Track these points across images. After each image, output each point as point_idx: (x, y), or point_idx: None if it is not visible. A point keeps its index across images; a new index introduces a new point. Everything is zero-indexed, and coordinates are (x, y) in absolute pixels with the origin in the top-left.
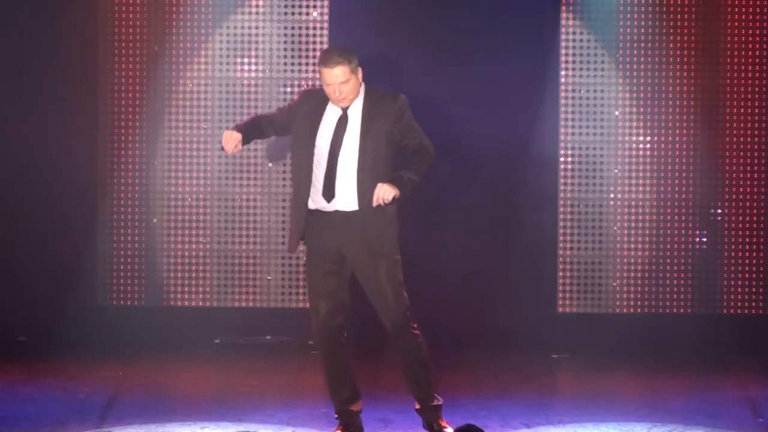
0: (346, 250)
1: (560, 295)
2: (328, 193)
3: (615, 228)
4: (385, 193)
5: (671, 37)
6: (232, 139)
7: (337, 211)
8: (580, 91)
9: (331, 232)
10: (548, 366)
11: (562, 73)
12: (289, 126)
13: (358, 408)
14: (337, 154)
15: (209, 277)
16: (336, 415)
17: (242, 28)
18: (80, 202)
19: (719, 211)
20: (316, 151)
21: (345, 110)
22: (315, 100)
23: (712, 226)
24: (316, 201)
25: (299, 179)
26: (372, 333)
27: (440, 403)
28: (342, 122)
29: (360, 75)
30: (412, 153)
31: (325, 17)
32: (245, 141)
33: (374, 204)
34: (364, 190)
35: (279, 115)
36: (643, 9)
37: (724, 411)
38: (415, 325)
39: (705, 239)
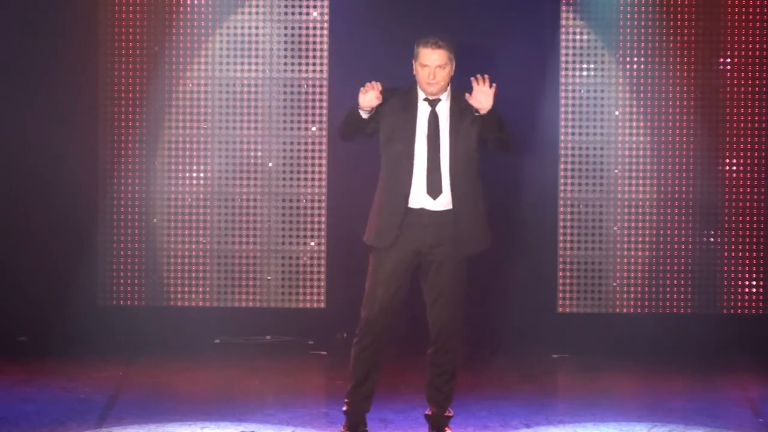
0: (430, 247)
1: (560, 295)
2: (435, 188)
3: (615, 228)
4: (487, 97)
5: (671, 37)
6: (372, 94)
7: (436, 211)
8: (580, 91)
9: (415, 230)
10: (548, 366)
11: (562, 73)
12: (377, 126)
13: (368, 409)
14: (438, 152)
15: (209, 277)
16: (345, 408)
17: (242, 28)
18: (80, 202)
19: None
20: (416, 149)
21: (434, 107)
22: (401, 98)
23: (712, 226)
24: (414, 199)
25: (399, 176)
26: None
27: (451, 415)
28: (433, 119)
29: (453, 68)
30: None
31: (325, 17)
32: (357, 133)
33: (478, 106)
34: (459, 190)
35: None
36: (643, 9)
37: (724, 411)
38: (462, 339)
39: (711, 239)
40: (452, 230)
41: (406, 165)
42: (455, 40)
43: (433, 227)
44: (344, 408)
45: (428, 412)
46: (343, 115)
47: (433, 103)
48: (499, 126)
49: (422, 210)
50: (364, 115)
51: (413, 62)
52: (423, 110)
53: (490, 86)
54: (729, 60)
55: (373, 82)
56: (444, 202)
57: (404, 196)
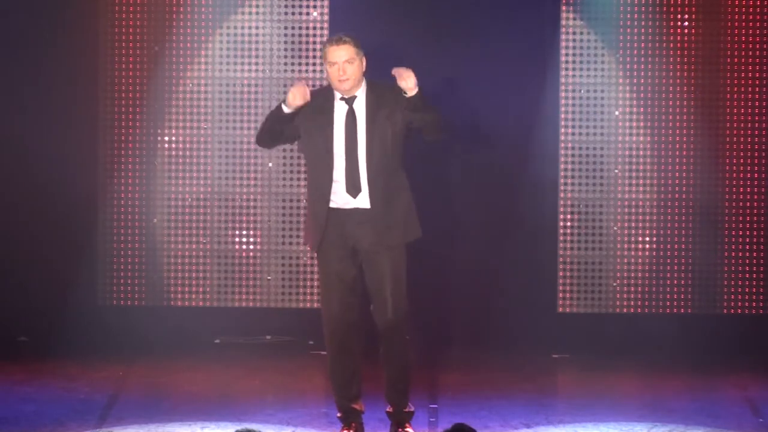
0: (359, 244)
1: (560, 295)
2: (354, 189)
3: (615, 228)
4: (409, 77)
5: (671, 37)
6: (300, 91)
7: (356, 208)
8: (580, 91)
9: (346, 227)
10: (548, 366)
11: (562, 73)
12: (296, 129)
13: (362, 408)
14: (356, 150)
15: (209, 277)
16: (339, 414)
17: (242, 28)
18: (80, 202)
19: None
20: (335, 148)
21: (351, 105)
22: (320, 98)
23: (712, 226)
24: (336, 199)
25: (319, 177)
26: (372, 333)
27: (412, 410)
28: (350, 117)
29: (364, 64)
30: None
31: (325, 17)
32: (276, 137)
33: (392, 72)
34: (375, 186)
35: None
36: (643, 9)
37: (724, 411)
38: (407, 332)
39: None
40: (374, 225)
41: (326, 165)
42: (359, 38)
43: (359, 224)
44: (338, 415)
45: (389, 409)
46: (264, 120)
47: (349, 101)
48: (427, 107)
49: (347, 209)
50: (287, 110)
51: (324, 65)
52: (340, 109)
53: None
54: (729, 60)
55: (302, 81)
56: (365, 198)
57: (325, 197)
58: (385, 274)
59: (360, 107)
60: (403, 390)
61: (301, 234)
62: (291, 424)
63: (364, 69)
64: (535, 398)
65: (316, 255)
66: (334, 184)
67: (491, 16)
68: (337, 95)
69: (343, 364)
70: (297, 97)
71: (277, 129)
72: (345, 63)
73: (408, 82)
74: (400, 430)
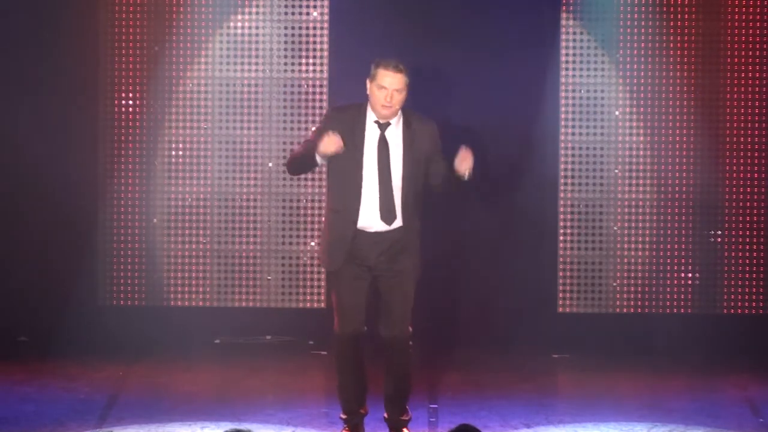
0: (377, 264)
1: (560, 295)
2: (389, 215)
3: (615, 228)
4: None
5: (671, 37)
6: (333, 141)
7: (378, 232)
8: (580, 91)
9: (368, 248)
10: (548, 366)
11: (562, 73)
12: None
13: (366, 411)
14: (389, 178)
15: (209, 277)
16: (343, 416)
17: (242, 28)
18: (80, 202)
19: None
20: (364, 170)
21: (383, 131)
22: (349, 117)
23: (712, 226)
24: (364, 220)
25: (346, 198)
26: (372, 335)
27: (409, 418)
28: (383, 144)
29: (406, 95)
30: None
31: (325, 17)
32: (311, 169)
33: (463, 171)
34: (408, 212)
35: (313, 145)
36: (643, 9)
37: (724, 411)
38: (411, 344)
39: (711, 239)
40: (401, 245)
41: (354, 189)
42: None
43: (384, 243)
44: (342, 416)
45: (386, 416)
46: (297, 152)
47: (383, 127)
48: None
49: (370, 232)
50: (319, 161)
51: (368, 81)
52: (372, 133)
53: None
54: (729, 60)
55: (334, 133)
56: (396, 224)
57: (353, 221)
58: (397, 295)
59: (393, 136)
60: (402, 400)
61: (316, 251)
62: (291, 424)
63: (405, 100)
64: (535, 398)
65: (329, 272)
66: (363, 210)
67: (491, 17)
68: (371, 116)
69: (355, 378)
70: (330, 147)
71: (307, 169)
72: (394, 91)
73: (466, 168)
74: None
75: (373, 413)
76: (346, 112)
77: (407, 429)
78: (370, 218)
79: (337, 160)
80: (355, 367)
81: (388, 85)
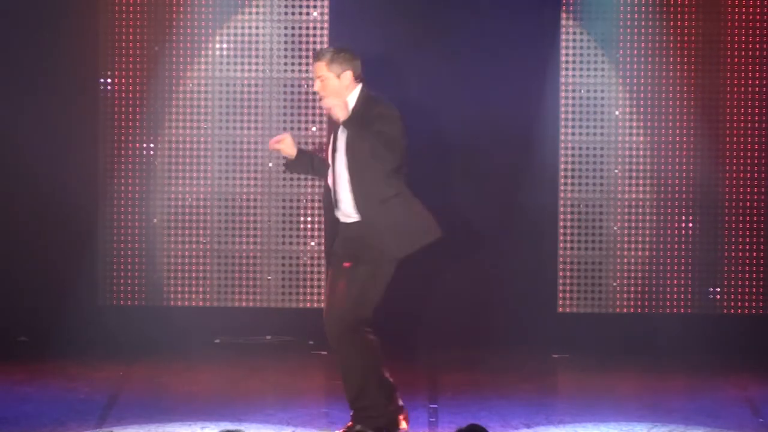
0: (341, 253)
1: (560, 295)
2: (336, 205)
3: (615, 228)
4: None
5: (671, 37)
6: (288, 144)
7: (343, 222)
8: (580, 91)
9: (339, 239)
10: (548, 366)
11: (562, 73)
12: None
13: (396, 406)
14: (335, 166)
15: (209, 277)
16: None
17: (242, 28)
18: (80, 202)
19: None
20: (330, 162)
21: (342, 121)
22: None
23: (712, 226)
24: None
25: (327, 189)
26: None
27: (351, 414)
28: (336, 133)
29: (346, 80)
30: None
31: (325, 17)
32: (301, 166)
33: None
34: (358, 202)
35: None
36: (642, 9)
37: (724, 411)
38: (357, 337)
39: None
40: (359, 242)
41: (330, 179)
42: (343, 49)
43: (346, 235)
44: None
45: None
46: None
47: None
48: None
49: (342, 223)
50: (291, 160)
51: None
52: (338, 124)
53: None
54: (729, 60)
55: (281, 135)
56: (347, 214)
57: (330, 208)
58: (339, 286)
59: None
60: (353, 392)
61: None
62: (291, 424)
63: (344, 86)
64: (535, 398)
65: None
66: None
67: (491, 17)
68: None
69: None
70: (287, 147)
71: (311, 173)
72: (317, 79)
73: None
74: (350, 424)
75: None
76: None
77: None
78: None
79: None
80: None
81: (314, 74)
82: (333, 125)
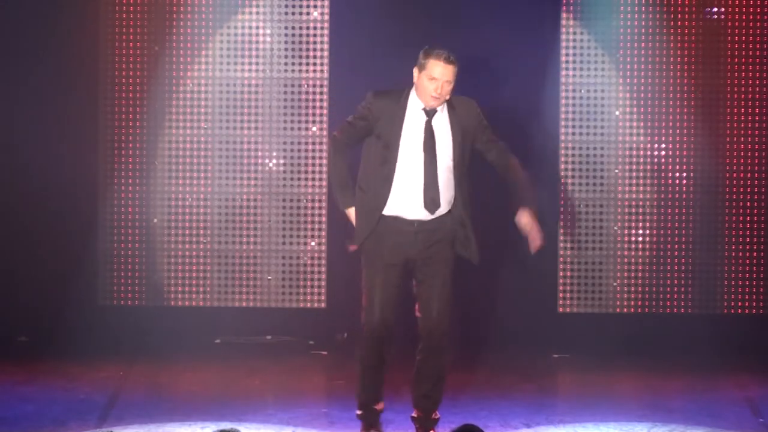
0: (413, 255)
1: (560, 295)
2: (432, 204)
3: (615, 228)
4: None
5: (671, 37)
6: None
7: (420, 220)
8: (580, 91)
9: (403, 238)
10: (549, 366)
11: (563, 73)
12: (369, 132)
13: (382, 407)
14: (435, 166)
15: (209, 277)
16: (359, 412)
17: (242, 28)
18: (80, 202)
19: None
20: (401, 156)
21: (431, 118)
22: (390, 103)
23: (712, 226)
24: (398, 208)
25: (375, 182)
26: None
27: (438, 417)
28: (429, 132)
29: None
30: (503, 167)
31: (326, 17)
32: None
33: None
34: (451, 198)
35: (353, 130)
36: (643, 9)
37: (724, 411)
38: (449, 340)
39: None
40: (442, 233)
41: (385, 175)
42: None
43: (424, 232)
44: (358, 413)
45: (414, 415)
46: (337, 171)
47: (429, 114)
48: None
49: (412, 220)
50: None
51: (416, 70)
52: (417, 121)
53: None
54: (729, 60)
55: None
56: (440, 211)
57: (378, 207)
58: (436, 284)
59: (440, 122)
60: (435, 399)
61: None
62: (291, 424)
63: None
64: (535, 398)
65: (361, 253)
66: (393, 193)
67: (491, 16)
68: (415, 103)
69: (374, 370)
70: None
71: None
72: (445, 82)
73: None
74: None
75: (405, 412)
76: (387, 98)
77: (434, 430)
78: (407, 206)
79: (375, 142)
80: (379, 364)
81: (439, 76)
82: (395, 119)
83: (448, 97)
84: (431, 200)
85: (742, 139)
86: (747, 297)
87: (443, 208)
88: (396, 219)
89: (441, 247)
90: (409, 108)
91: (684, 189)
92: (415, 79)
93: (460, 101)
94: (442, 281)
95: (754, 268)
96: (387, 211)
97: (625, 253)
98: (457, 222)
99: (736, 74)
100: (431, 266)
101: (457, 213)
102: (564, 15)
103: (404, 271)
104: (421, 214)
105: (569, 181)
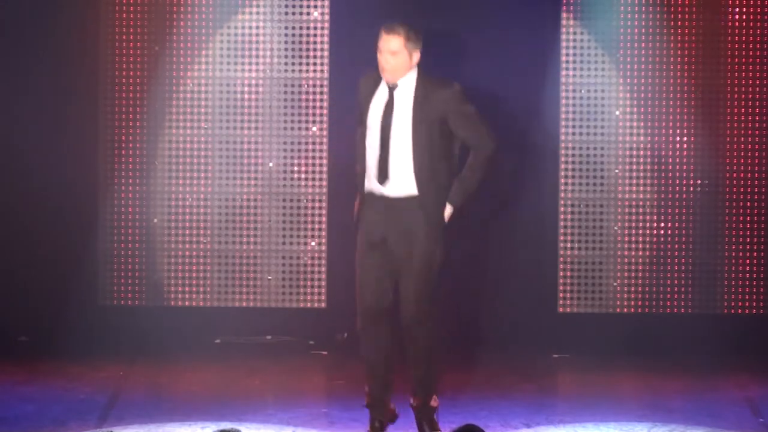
0: (389, 234)
1: (560, 295)
2: (382, 176)
3: (615, 228)
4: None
5: (671, 37)
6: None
7: (386, 196)
8: (580, 91)
9: (378, 215)
10: (548, 366)
11: (563, 73)
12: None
13: (393, 409)
14: (389, 137)
15: (209, 277)
16: (367, 401)
17: (242, 28)
18: (80, 202)
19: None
20: (368, 132)
21: (392, 92)
22: (371, 81)
23: (712, 226)
24: (369, 183)
25: (359, 161)
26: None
27: (437, 405)
28: (389, 106)
29: (415, 59)
30: (471, 155)
31: (326, 17)
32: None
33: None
34: (421, 176)
35: (360, 117)
36: (643, 9)
37: (724, 411)
38: (431, 322)
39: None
40: (414, 217)
41: (362, 152)
42: (419, 30)
43: (385, 212)
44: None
45: (412, 402)
46: (359, 165)
47: (391, 90)
48: (473, 184)
49: (380, 196)
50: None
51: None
52: (382, 96)
53: None
54: (729, 60)
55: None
56: (398, 188)
57: (362, 183)
58: (412, 266)
59: (405, 96)
60: (427, 382)
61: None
62: (291, 424)
63: (412, 64)
64: (535, 398)
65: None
66: (367, 170)
67: (491, 17)
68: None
69: (375, 361)
70: None
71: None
72: (388, 54)
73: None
74: (425, 425)
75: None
76: (369, 78)
77: (435, 421)
78: (373, 181)
79: (357, 121)
80: (376, 347)
81: (382, 48)
82: (368, 93)
83: (396, 71)
84: (380, 172)
85: (742, 139)
86: (747, 297)
87: (405, 187)
88: (371, 195)
89: (415, 227)
90: (381, 86)
91: (684, 189)
92: None
93: (437, 81)
94: (419, 262)
95: (754, 268)
96: (365, 187)
97: (625, 253)
98: (431, 204)
99: (736, 74)
100: (406, 246)
101: (430, 195)
102: (564, 15)
103: (388, 251)
104: (386, 190)
105: (569, 181)
